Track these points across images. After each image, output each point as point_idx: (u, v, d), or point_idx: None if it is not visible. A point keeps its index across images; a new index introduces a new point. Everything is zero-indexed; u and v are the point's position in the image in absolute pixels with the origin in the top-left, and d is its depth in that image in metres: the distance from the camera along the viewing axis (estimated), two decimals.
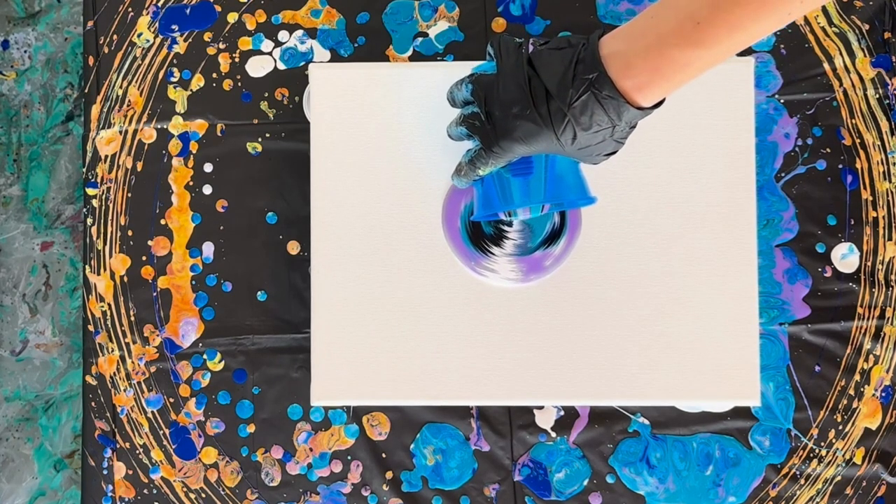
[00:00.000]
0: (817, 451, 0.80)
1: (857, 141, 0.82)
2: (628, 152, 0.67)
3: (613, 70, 0.49)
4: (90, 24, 0.85)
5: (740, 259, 0.71)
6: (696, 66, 0.48)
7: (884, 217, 0.82)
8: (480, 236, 0.71)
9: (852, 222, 0.82)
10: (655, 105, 0.51)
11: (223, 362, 0.83)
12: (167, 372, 0.83)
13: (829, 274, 0.81)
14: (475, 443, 0.81)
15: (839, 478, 0.80)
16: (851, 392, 0.81)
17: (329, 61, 0.84)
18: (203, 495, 0.82)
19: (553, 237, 0.70)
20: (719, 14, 0.45)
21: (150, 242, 0.83)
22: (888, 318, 0.81)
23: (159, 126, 0.84)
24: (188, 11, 0.85)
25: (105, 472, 0.83)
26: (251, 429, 0.82)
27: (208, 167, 0.83)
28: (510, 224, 0.70)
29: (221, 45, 0.84)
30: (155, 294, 0.83)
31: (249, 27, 0.85)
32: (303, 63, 0.84)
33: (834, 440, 0.81)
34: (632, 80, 0.49)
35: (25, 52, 1.16)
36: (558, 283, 0.71)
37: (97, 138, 0.84)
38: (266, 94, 0.84)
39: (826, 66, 0.83)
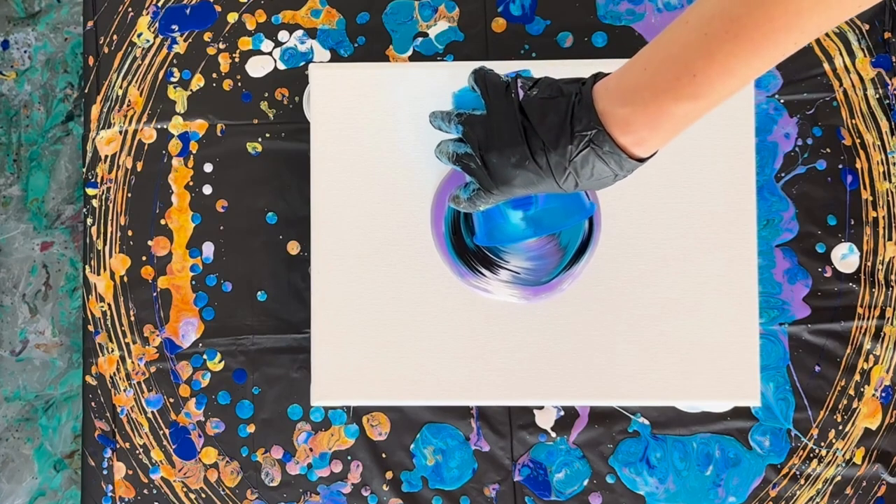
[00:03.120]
0: (817, 451, 0.80)
1: (857, 141, 0.82)
2: None
3: (612, 126, 0.48)
4: (90, 24, 0.85)
5: (740, 259, 0.71)
6: (692, 117, 0.47)
7: (884, 217, 0.82)
8: (465, 250, 0.68)
9: (852, 222, 0.82)
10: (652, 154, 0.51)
11: (223, 362, 0.83)
12: (167, 372, 0.82)
13: (829, 274, 0.81)
14: (475, 443, 0.81)
15: (839, 478, 0.80)
16: (851, 392, 0.81)
17: (329, 61, 0.84)
18: (203, 495, 0.82)
19: (577, 254, 0.68)
20: (714, 64, 0.44)
21: (150, 242, 0.83)
22: (888, 318, 0.81)
23: (159, 126, 0.84)
24: (188, 11, 0.85)
25: (105, 472, 0.83)
26: (251, 429, 0.82)
27: (208, 167, 0.83)
28: (505, 260, 0.69)
29: (221, 45, 0.84)
30: (155, 294, 0.83)
31: (249, 27, 0.85)
32: (303, 63, 0.84)
33: (834, 440, 0.81)
34: (631, 136, 0.48)
35: (25, 52, 1.16)
36: None
37: (97, 138, 0.84)
38: (266, 94, 0.84)
39: (826, 66, 0.83)
